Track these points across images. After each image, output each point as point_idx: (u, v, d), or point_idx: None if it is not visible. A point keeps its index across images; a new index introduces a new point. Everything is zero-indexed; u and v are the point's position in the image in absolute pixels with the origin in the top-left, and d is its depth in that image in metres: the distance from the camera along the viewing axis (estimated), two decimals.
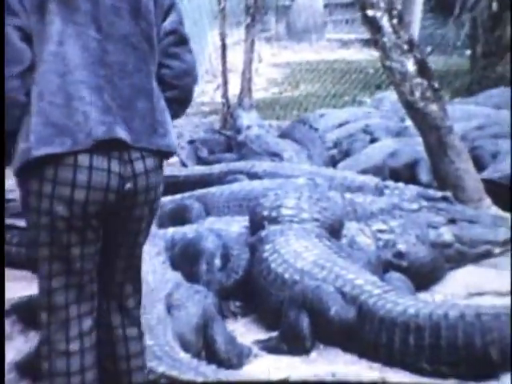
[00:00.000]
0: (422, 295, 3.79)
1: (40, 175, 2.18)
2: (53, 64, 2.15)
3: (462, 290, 3.89)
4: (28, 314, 3.67)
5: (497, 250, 4.24)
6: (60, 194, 2.16)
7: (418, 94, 5.09)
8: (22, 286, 4.12)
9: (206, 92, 10.69)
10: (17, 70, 2.15)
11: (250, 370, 2.79)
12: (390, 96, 7.99)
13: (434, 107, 5.10)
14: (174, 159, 6.74)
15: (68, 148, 2.14)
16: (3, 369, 2.42)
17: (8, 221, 4.57)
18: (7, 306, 3.81)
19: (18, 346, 3.44)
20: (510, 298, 3.68)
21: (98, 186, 2.17)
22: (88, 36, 2.17)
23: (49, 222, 2.19)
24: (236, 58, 9.66)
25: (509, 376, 2.91)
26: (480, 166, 5.55)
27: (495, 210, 4.99)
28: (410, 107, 5.19)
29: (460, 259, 4.19)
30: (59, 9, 2.15)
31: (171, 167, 6.71)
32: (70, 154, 2.15)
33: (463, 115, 7.00)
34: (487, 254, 4.22)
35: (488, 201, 5.08)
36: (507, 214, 4.88)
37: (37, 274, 2.28)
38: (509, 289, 3.82)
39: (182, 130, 8.49)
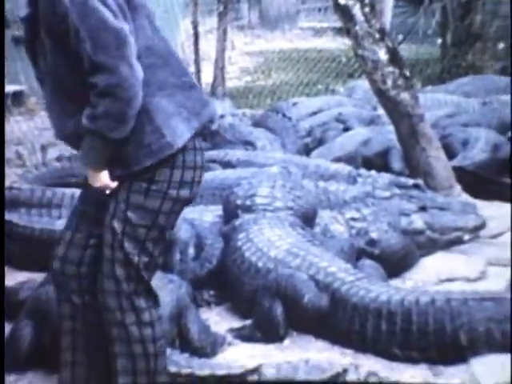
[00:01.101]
0: (394, 282, 3.84)
1: (170, 164, 2.41)
2: (152, 58, 2.39)
3: (433, 277, 3.94)
4: None
5: (466, 237, 4.30)
6: (186, 177, 2.43)
7: (389, 82, 5.13)
8: None
9: None
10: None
11: (224, 358, 2.81)
12: (363, 84, 8.02)
13: (405, 95, 5.14)
14: None
15: (193, 133, 2.43)
16: (3, 369, 2.41)
17: None
18: None
19: None
20: (478, 283, 3.76)
21: (201, 165, 2.47)
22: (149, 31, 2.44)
23: (169, 207, 2.42)
24: (209, 46, 9.62)
25: (477, 359, 2.97)
26: (450, 153, 5.62)
27: (465, 197, 5.07)
28: (382, 95, 5.23)
29: (431, 246, 4.25)
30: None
31: None
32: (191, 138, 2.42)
33: (434, 103, 7.07)
34: (457, 241, 4.28)
35: (458, 188, 5.15)
36: (476, 201, 4.97)
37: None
38: (477, 274, 3.90)
39: None
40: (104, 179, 2.40)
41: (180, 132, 2.40)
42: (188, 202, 2.51)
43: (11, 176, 5.77)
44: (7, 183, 5.12)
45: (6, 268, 4.22)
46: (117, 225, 2.42)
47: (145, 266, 2.45)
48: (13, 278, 3.88)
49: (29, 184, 5.19)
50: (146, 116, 2.38)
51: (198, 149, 2.48)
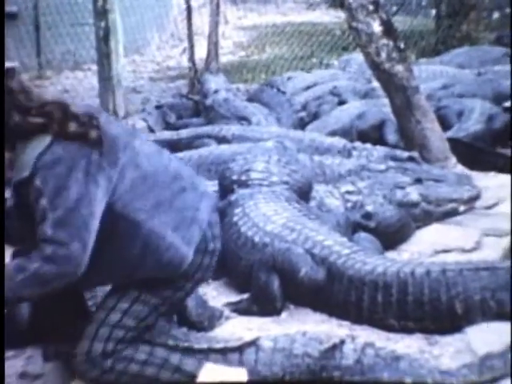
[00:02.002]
0: (390, 254, 3.85)
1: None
2: (144, 184, 2.58)
3: (429, 248, 3.95)
4: None
5: (462, 208, 4.32)
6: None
7: (384, 54, 5.11)
8: None
9: (171, 56, 10.56)
10: None
11: (222, 332, 2.83)
12: (357, 58, 7.98)
13: (400, 68, 5.12)
14: (141, 124, 6.70)
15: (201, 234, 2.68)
16: (3, 369, 2.44)
17: None
18: None
19: None
20: (473, 254, 3.78)
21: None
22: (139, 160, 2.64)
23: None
24: (202, 21, 9.54)
25: (472, 328, 3.00)
26: (445, 125, 5.62)
27: (460, 169, 5.07)
28: (377, 68, 5.21)
29: (426, 218, 4.26)
30: None
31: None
32: None
33: (429, 75, 7.05)
34: (453, 212, 4.30)
35: (453, 160, 5.16)
36: (471, 173, 4.98)
37: None
38: (472, 245, 3.92)
39: (148, 95, 8.42)
40: None
41: (190, 237, 2.58)
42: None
43: None
44: None
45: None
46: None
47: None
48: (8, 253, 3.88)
49: None
50: (155, 236, 2.52)
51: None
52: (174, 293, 2.59)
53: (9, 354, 3.05)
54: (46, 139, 2.45)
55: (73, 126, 2.45)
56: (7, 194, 2.55)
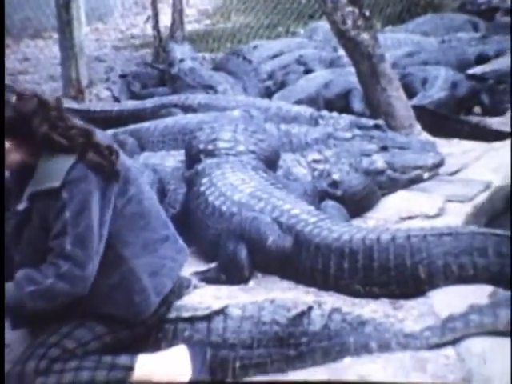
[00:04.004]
0: (356, 222, 3.89)
1: None
2: (137, 222, 2.64)
3: (394, 215, 4.00)
4: None
5: (426, 175, 4.38)
6: None
7: (349, 22, 5.10)
8: None
9: (135, 24, 10.38)
10: None
11: (190, 300, 2.84)
12: (323, 26, 7.95)
13: (365, 36, 5.13)
14: (106, 94, 6.61)
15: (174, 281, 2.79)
16: (3, 369, 2.42)
17: None
18: None
19: None
20: (437, 219, 3.84)
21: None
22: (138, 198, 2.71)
23: None
24: None
25: (435, 292, 3.06)
26: (410, 92, 5.65)
27: (425, 136, 5.13)
28: (342, 36, 5.20)
29: (392, 185, 4.30)
30: None
31: (103, 102, 6.57)
32: None
33: (394, 43, 7.07)
34: (417, 179, 4.35)
35: (418, 127, 5.21)
36: (436, 139, 5.03)
37: None
38: (436, 211, 3.98)
39: (113, 64, 8.29)
40: None
41: (161, 287, 2.62)
42: None
43: None
44: None
45: None
46: None
47: None
48: None
49: None
50: (133, 276, 2.54)
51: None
52: (121, 328, 2.58)
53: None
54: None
55: (92, 155, 2.49)
56: (21, 206, 2.51)
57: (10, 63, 7.61)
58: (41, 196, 2.46)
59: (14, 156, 2.52)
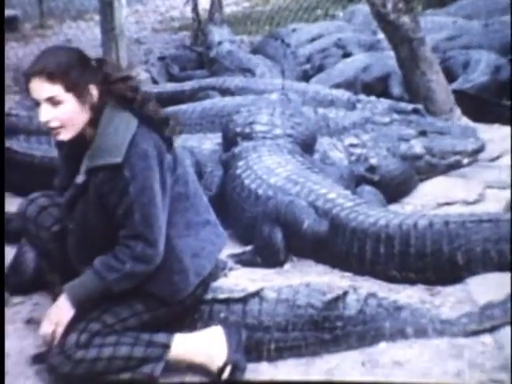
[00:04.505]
0: (393, 207, 3.86)
1: None
2: (182, 202, 2.64)
3: (432, 201, 3.96)
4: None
5: (466, 161, 4.31)
6: None
7: (389, 5, 5.03)
8: None
9: (175, 7, 10.41)
10: None
11: (225, 282, 2.86)
12: (363, 9, 7.88)
13: (405, 19, 5.06)
14: (144, 76, 6.66)
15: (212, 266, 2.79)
16: (3, 369, 2.48)
17: None
18: None
19: None
20: (476, 206, 3.79)
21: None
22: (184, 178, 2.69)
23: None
24: None
25: (474, 279, 3.03)
26: (451, 77, 5.57)
27: (465, 121, 5.05)
28: (382, 19, 5.14)
29: (430, 171, 4.26)
30: None
31: (142, 84, 6.61)
32: None
33: (434, 26, 6.96)
34: (456, 165, 4.29)
35: (458, 112, 5.13)
36: (476, 125, 4.95)
37: None
38: (476, 197, 3.93)
39: (152, 46, 8.34)
40: (66, 314, 2.47)
41: (201, 269, 2.62)
42: None
43: (9, 102, 5.73)
44: (5, 109, 5.09)
45: (6, 194, 4.27)
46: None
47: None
48: (14, 204, 3.91)
49: (27, 111, 5.15)
50: (174, 256, 2.54)
51: None
52: (159, 306, 2.59)
53: (16, 300, 3.12)
54: (132, 123, 2.47)
55: (151, 105, 2.51)
56: (80, 179, 2.52)
57: (53, 44, 7.69)
58: (99, 170, 2.46)
59: (75, 115, 2.46)
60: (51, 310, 2.51)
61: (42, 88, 2.41)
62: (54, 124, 2.45)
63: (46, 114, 2.43)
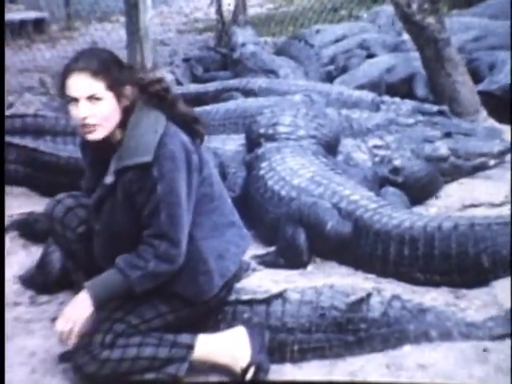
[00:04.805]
0: (418, 209, 3.84)
1: None
2: (208, 204, 2.66)
3: (457, 203, 3.93)
4: (28, 229, 3.74)
5: (491, 162, 4.26)
6: None
7: (415, 6, 5.00)
8: (20, 203, 4.19)
9: (199, 8, 10.46)
10: None
11: (248, 283, 2.87)
12: (387, 10, 7.84)
13: (431, 19, 5.02)
14: (169, 77, 6.69)
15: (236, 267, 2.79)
16: (3, 368, 2.51)
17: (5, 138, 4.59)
18: (7, 222, 3.89)
19: (21, 261, 3.53)
20: (502, 208, 3.75)
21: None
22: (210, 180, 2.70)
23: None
24: None
25: (499, 282, 2.99)
26: (477, 78, 5.52)
27: (491, 123, 5.00)
28: (407, 20, 5.11)
29: (455, 172, 4.22)
30: None
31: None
32: None
33: (460, 27, 6.89)
34: (482, 167, 4.25)
35: (484, 113, 5.08)
36: (502, 126, 4.90)
37: None
38: (502, 199, 3.88)
39: (176, 47, 8.38)
40: (84, 312, 2.47)
41: (225, 270, 2.63)
42: None
43: (36, 103, 5.81)
44: (31, 111, 5.16)
45: (34, 194, 4.33)
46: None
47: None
48: (41, 204, 3.96)
49: (53, 112, 5.21)
50: (199, 257, 2.55)
51: None
52: (183, 307, 2.60)
53: (42, 299, 3.15)
54: (161, 123, 2.49)
55: (181, 106, 2.54)
56: (108, 179, 2.53)
57: (79, 46, 7.77)
58: (128, 170, 2.48)
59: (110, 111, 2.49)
60: (69, 307, 2.51)
61: (84, 84, 2.44)
62: (91, 121, 2.46)
63: (86, 110, 2.44)
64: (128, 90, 2.51)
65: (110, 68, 2.46)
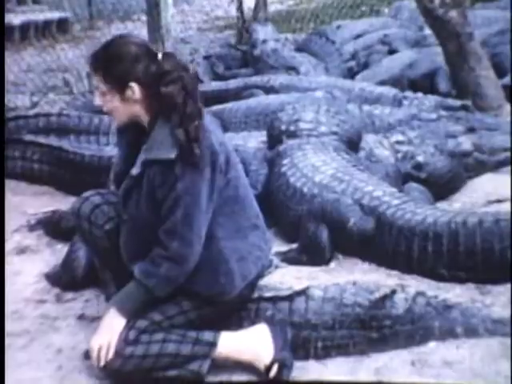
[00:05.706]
0: (441, 205, 3.81)
1: None
2: (233, 206, 2.65)
3: (481, 198, 3.89)
4: (53, 227, 3.78)
5: None
6: None
7: (437, 0, 4.96)
8: (43, 202, 4.23)
9: (220, 6, 10.47)
10: None
11: (271, 280, 2.86)
12: (408, 4, 7.80)
13: (453, 14, 4.98)
14: None
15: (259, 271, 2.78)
16: (3, 368, 2.53)
17: (28, 137, 4.63)
18: (33, 220, 3.93)
19: (46, 258, 3.56)
20: None
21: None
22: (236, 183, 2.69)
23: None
24: None
25: None
26: (500, 72, 5.45)
27: None
28: (429, 14, 5.07)
29: (479, 168, 4.18)
30: None
31: None
32: None
33: (484, 21, 6.83)
34: (506, 162, 4.20)
35: (508, 107, 5.03)
36: None
37: None
38: None
39: (197, 45, 8.39)
40: (117, 327, 2.49)
41: (247, 273, 2.62)
42: None
43: (59, 103, 5.86)
44: (55, 110, 5.21)
45: (58, 193, 4.37)
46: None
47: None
48: (64, 202, 4.00)
49: (77, 111, 5.26)
50: (221, 257, 2.55)
51: None
52: (205, 305, 2.61)
53: (68, 296, 3.18)
54: None
55: (191, 106, 2.50)
56: (135, 170, 2.54)
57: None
58: (154, 163, 2.49)
59: (134, 108, 2.53)
60: (101, 326, 2.53)
61: (94, 77, 2.58)
62: (104, 109, 2.60)
63: (97, 100, 2.60)
64: (133, 86, 2.51)
65: (108, 65, 2.50)
